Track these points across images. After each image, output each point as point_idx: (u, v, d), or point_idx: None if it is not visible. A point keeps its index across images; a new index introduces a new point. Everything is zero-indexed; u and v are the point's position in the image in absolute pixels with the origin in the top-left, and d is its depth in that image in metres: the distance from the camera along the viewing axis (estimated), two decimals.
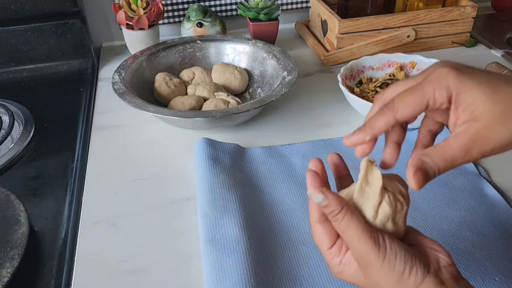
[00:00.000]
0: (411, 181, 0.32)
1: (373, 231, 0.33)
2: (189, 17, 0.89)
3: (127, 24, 0.85)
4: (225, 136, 0.67)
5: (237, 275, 0.44)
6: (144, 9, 0.84)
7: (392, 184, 0.36)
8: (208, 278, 0.45)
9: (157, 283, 0.47)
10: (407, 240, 0.35)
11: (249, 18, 0.89)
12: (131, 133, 0.70)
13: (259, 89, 0.78)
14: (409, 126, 0.60)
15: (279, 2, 1.00)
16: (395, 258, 0.32)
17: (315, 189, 0.35)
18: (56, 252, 0.51)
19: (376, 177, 0.34)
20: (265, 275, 0.46)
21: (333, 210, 0.34)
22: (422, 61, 0.75)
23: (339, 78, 0.69)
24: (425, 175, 0.32)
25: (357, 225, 0.33)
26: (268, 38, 0.89)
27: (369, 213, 0.34)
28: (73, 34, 0.87)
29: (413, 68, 0.76)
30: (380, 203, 0.34)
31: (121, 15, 0.84)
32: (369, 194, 0.35)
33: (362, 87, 0.73)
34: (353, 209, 0.34)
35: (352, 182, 0.40)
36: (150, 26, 0.86)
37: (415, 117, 0.35)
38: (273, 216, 0.53)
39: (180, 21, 0.97)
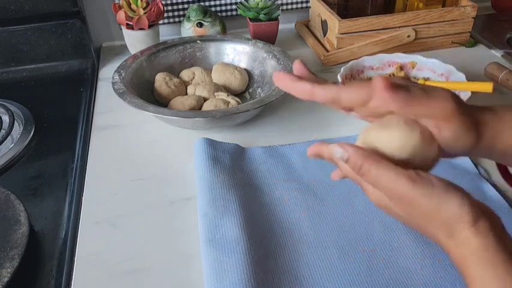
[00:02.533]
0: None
1: (406, 171, 0.32)
2: (189, 17, 0.89)
3: (127, 24, 0.85)
4: (225, 136, 0.67)
5: (237, 275, 0.44)
6: (144, 9, 0.84)
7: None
8: (208, 278, 0.45)
9: (157, 283, 0.47)
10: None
11: (249, 18, 0.89)
12: (131, 133, 0.70)
13: (259, 89, 0.78)
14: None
15: (279, 2, 1.00)
16: (440, 193, 0.32)
17: (334, 144, 0.34)
18: (56, 252, 0.51)
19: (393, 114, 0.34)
20: (265, 275, 0.46)
21: (354, 164, 0.33)
22: (422, 61, 0.75)
23: (339, 78, 0.69)
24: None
25: (388, 172, 0.32)
26: (268, 38, 0.89)
27: (393, 149, 0.33)
28: (73, 34, 0.87)
29: (413, 68, 0.76)
30: (405, 133, 0.33)
31: (121, 15, 0.84)
32: (389, 127, 0.34)
33: None
34: (376, 155, 0.33)
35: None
36: (150, 26, 0.86)
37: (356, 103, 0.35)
38: (273, 216, 0.53)
39: (180, 21, 0.97)
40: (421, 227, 0.34)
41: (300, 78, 0.38)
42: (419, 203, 0.32)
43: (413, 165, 0.33)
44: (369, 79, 0.75)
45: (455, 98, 0.35)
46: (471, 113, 0.35)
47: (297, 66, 0.41)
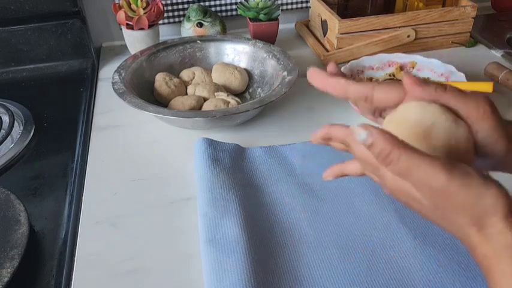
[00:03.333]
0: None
1: (440, 160, 0.29)
2: (189, 17, 0.89)
3: (127, 24, 0.85)
4: (225, 136, 0.67)
5: (237, 275, 0.44)
6: (144, 9, 0.84)
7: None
8: (208, 278, 0.45)
9: (157, 283, 0.47)
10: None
11: (249, 18, 0.89)
12: (131, 133, 0.70)
13: (259, 89, 0.78)
14: None
15: (279, 2, 1.00)
16: (478, 183, 0.30)
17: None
18: (56, 252, 0.51)
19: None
20: (265, 275, 0.46)
21: (380, 150, 0.29)
22: (422, 61, 0.75)
23: None
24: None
25: (421, 161, 0.29)
26: (268, 38, 0.89)
27: (424, 136, 0.31)
28: (73, 34, 0.87)
29: (413, 68, 0.76)
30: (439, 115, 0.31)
31: (121, 15, 0.84)
32: (421, 114, 0.32)
33: None
34: (405, 143, 0.29)
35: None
36: (150, 26, 0.86)
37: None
38: (273, 216, 0.53)
39: (180, 21, 0.97)
40: (448, 219, 0.32)
41: (333, 74, 0.38)
42: (456, 193, 0.29)
43: (449, 153, 0.31)
44: (370, 79, 0.75)
45: (491, 101, 0.34)
46: (504, 122, 0.34)
47: (331, 68, 0.40)
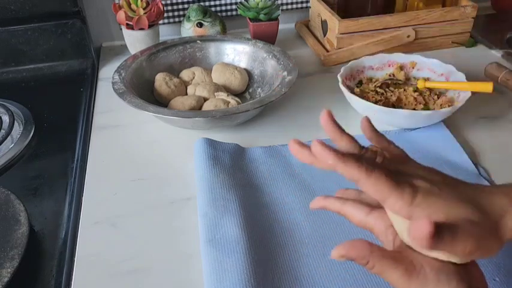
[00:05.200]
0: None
1: (403, 265, 0.35)
2: (189, 17, 0.89)
3: (127, 24, 0.85)
4: (225, 136, 0.67)
5: (237, 275, 0.44)
6: (144, 9, 0.84)
7: None
8: (208, 278, 0.45)
9: (157, 283, 0.47)
10: None
11: (249, 18, 0.89)
12: (131, 133, 0.70)
13: (259, 89, 0.78)
14: (409, 126, 0.60)
15: (279, 2, 1.00)
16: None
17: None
18: (56, 252, 0.51)
19: None
20: (265, 275, 0.46)
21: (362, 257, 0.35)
22: (422, 61, 0.75)
23: (339, 78, 0.69)
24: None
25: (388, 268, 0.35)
26: (268, 38, 0.89)
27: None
28: (73, 34, 0.87)
29: (413, 68, 0.76)
30: None
31: (121, 15, 0.84)
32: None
33: (362, 87, 0.73)
34: (381, 249, 0.35)
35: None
36: (150, 26, 0.86)
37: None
38: (273, 216, 0.53)
39: (180, 21, 0.97)
40: None
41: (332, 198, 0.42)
42: None
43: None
44: (370, 79, 0.75)
45: (475, 231, 0.33)
46: (492, 223, 0.34)
47: (364, 124, 0.43)
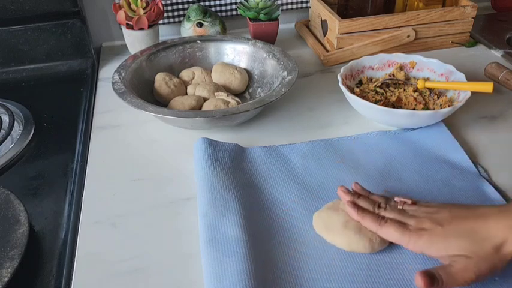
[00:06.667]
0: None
1: None
2: (189, 17, 0.89)
3: (127, 24, 0.85)
4: (225, 136, 0.67)
5: (237, 275, 0.44)
6: (144, 9, 0.84)
7: None
8: (208, 278, 0.45)
9: (157, 283, 0.47)
10: None
11: (249, 18, 0.89)
12: (131, 133, 0.70)
13: (259, 89, 0.78)
14: (409, 126, 0.61)
15: (279, 2, 1.00)
16: None
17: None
18: (56, 252, 0.51)
19: None
20: (265, 274, 0.46)
21: None
22: (422, 61, 0.75)
23: (339, 78, 0.69)
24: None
25: None
26: (268, 38, 0.89)
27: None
28: (73, 34, 0.87)
29: (413, 68, 0.76)
30: None
31: (121, 15, 0.84)
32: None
33: (362, 87, 0.73)
34: None
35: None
36: (150, 26, 0.86)
37: None
38: (272, 216, 0.53)
39: (180, 21, 0.97)
40: None
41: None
42: None
43: None
44: (369, 79, 0.75)
45: (471, 263, 0.42)
46: (488, 249, 0.42)
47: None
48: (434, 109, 0.68)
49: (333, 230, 0.49)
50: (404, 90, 0.71)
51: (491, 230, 0.43)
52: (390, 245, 0.49)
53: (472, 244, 0.43)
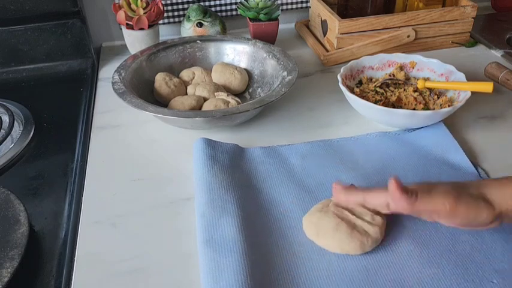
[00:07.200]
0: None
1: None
2: (189, 17, 0.89)
3: (127, 24, 0.85)
4: (225, 136, 0.67)
5: (234, 276, 0.44)
6: (144, 9, 0.84)
7: None
8: (205, 278, 0.45)
9: (157, 283, 0.47)
10: None
11: (249, 18, 0.89)
12: (131, 133, 0.70)
13: (259, 89, 0.78)
14: (409, 126, 0.61)
15: (279, 2, 1.00)
16: None
17: None
18: (56, 252, 0.51)
19: None
20: (262, 275, 0.46)
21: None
22: (422, 61, 0.75)
23: (339, 78, 0.69)
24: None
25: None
26: (268, 38, 0.89)
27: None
28: (73, 34, 0.87)
29: (413, 68, 0.75)
30: None
31: (121, 15, 0.84)
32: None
33: (362, 87, 0.73)
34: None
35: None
36: (150, 26, 0.86)
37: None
38: (271, 216, 0.53)
39: (180, 21, 0.97)
40: None
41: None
42: None
43: None
44: (369, 79, 0.75)
45: (454, 196, 0.43)
46: (476, 194, 0.44)
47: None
48: (434, 109, 0.68)
49: (324, 235, 0.49)
50: (404, 90, 0.71)
51: (473, 185, 0.46)
52: (383, 245, 0.49)
53: (462, 188, 0.45)
